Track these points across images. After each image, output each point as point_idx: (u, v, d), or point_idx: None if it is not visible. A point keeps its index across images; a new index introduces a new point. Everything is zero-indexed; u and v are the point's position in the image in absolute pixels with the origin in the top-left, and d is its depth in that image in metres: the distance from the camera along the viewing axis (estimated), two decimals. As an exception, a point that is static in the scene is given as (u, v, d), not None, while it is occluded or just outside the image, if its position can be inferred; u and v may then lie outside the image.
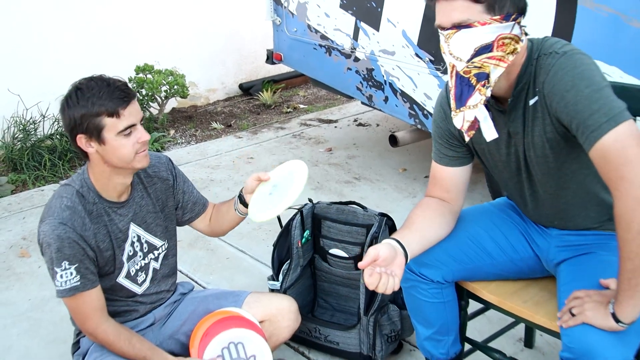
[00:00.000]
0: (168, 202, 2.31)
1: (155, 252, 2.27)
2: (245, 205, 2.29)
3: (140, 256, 2.21)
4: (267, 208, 2.16)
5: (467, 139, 1.81)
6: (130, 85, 5.42)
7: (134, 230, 2.18)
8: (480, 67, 1.71)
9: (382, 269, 1.79)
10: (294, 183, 2.18)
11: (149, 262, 2.25)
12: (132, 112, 1.98)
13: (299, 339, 2.75)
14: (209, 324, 2.21)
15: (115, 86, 1.96)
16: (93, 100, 1.93)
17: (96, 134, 1.95)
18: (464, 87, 1.75)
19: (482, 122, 1.77)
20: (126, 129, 1.97)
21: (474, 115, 1.75)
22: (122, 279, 2.17)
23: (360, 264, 1.78)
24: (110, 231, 2.10)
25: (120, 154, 1.99)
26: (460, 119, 1.78)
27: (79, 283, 1.99)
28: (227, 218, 2.39)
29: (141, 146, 2.02)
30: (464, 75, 1.74)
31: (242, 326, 2.19)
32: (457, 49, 1.72)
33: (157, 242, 2.27)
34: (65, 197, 2.02)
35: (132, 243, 2.18)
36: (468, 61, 1.72)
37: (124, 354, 2.09)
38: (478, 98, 1.73)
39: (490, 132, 1.79)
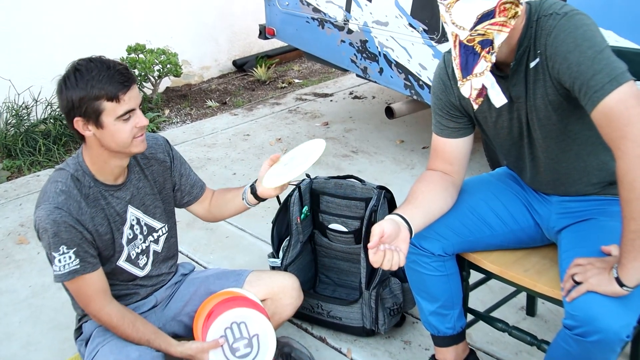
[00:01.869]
0: (166, 184, 2.29)
1: (155, 235, 2.26)
2: (257, 197, 2.26)
3: (140, 239, 2.20)
4: (278, 174, 2.17)
5: (475, 107, 1.79)
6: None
7: (133, 213, 2.16)
8: (483, 34, 1.69)
9: (387, 245, 1.78)
10: (309, 154, 2.19)
11: (149, 245, 2.24)
12: (132, 97, 1.95)
13: (301, 316, 2.74)
14: (212, 306, 2.20)
15: (116, 69, 1.93)
16: (92, 83, 1.90)
17: (94, 117, 1.93)
18: (469, 56, 1.73)
19: (490, 89, 1.76)
20: (125, 113, 1.94)
21: (481, 83, 1.74)
22: (122, 263, 2.16)
23: (369, 245, 1.77)
24: (107, 214, 2.08)
25: (118, 139, 1.97)
26: (468, 88, 1.76)
27: (78, 266, 1.98)
28: (231, 205, 2.37)
29: (139, 131, 2.00)
30: (467, 43, 1.72)
31: (244, 306, 2.18)
32: (459, 17, 1.70)
33: (156, 224, 2.25)
34: (59, 182, 2.00)
35: (132, 226, 2.17)
36: (471, 29, 1.69)
37: (128, 336, 2.09)
38: (484, 65, 1.72)
39: (498, 98, 1.78)
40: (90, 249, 2.02)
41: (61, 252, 1.96)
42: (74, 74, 1.92)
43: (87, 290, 2.03)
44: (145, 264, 2.24)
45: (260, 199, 2.28)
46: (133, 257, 2.19)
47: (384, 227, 1.79)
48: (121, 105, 1.93)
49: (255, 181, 2.29)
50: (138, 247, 2.20)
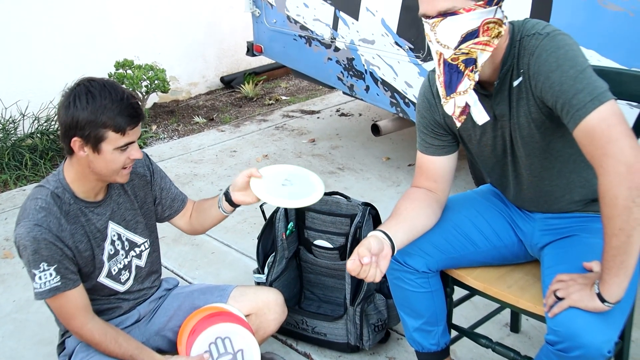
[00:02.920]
0: (147, 198, 2.29)
1: (137, 250, 2.26)
2: (231, 203, 2.27)
3: (122, 255, 2.20)
4: (279, 195, 2.18)
5: (458, 124, 1.82)
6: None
7: (113, 228, 2.16)
8: (467, 53, 1.72)
9: (373, 259, 1.80)
10: (309, 193, 2.22)
11: (132, 260, 2.24)
12: (136, 131, 1.97)
13: (286, 331, 2.74)
14: (196, 321, 2.20)
15: (128, 102, 1.94)
16: (103, 111, 1.90)
17: (94, 142, 1.93)
18: (453, 74, 1.75)
19: (473, 107, 1.79)
20: (125, 145, 1.96)
21: (464, 101, 1.77)
22: (103, 279, 2.15)
23: (364, 262, 1.78)
24: (87, 231, 2.08)
25: (110, 167, 1.98)
26: (451, 106, 1.79)
27: (59, 283, 1.98)
28: (209, 215, 2.38)
29: (130, 162, 2.02)
30: (452, 62, 1.74)
31: (228, 321, 2.19)
32: (444, 36, 1.72)
33: (138, 239, 2.25)
34: (39, 199, 2.00)
35: (113, 242, 2.16)
36: (455, 48, 1.72)
37: (111, 353, 2.08)
38: (467, 83, 1.74)
39: (481, 116, 1.81)
40: (71, 266, 2.02)
41: (41, 269, 1.95)
42: (86, 96, 1.91)
43: (69, 308, 2.03)
44: (127, 279, 2.24)
45: (235, 206, 2.29)
46: (114, 273, 2.18)
47: (372, 244, 1.80)
48: (124, 138, 1.94)
49: (229, 187, 2.29)
50: (120, 263, 2.19)
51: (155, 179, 2.32)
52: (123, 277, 2.22)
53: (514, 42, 1.80)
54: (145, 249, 2.29)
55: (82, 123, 1.91)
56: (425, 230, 2.04)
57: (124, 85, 5.25)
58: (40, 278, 1.95)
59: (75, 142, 1.94)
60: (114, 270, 2.18)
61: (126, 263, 2.22)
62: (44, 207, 1.98)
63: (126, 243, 2.21)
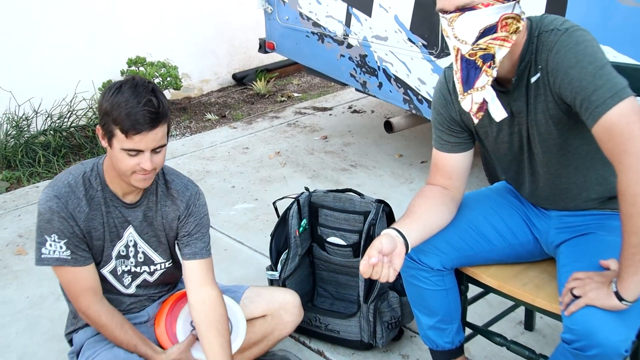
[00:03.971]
0: (172, 229, 2.20)
1: (152, 267, 2.23)
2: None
3: (132, 262, 2.19)
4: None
5: (475, 121, 1.80)
6: (122, 78, 5.41)
7: (132, 234, 2.15)
8: (485, 49, 1.71)
9: (382, 257, 1.79)
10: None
11: (142, 273, 2.23)
12: (143, 140, 1.90)
13: (299, 329, 2.72)
14: (166, 310, 2.22)
15: (143, 107, 1.88)
16: (117, 108, 1.88)
17: (108, 135, 1.94)
18: (471, 70, 1.74)
19: (490, 103, 1.77)
20: (132, 150, 1.92)
21: (482, 97, 1.75)
22: (106, 272, 2.16)
23: (366, 258, 1.77)
24: (105, 222, 2.08)
25: (118, 166, 1.97)
26: (469, 102, 1.77)
27: (69, 257, 2.02)
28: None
29: (142, 170, 1.95)
30: (469, 58, 1.73)
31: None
32: (461, 32, 1.71)
33: (156, 258, 2.22)
34: (71, 174, 2.05)
35: (127, 246, 2.16)
36: (473, 43, 1.71)
37: (116, 338, 2.09)
38: (485, 79, 1.73)
39: (499, 112, 1.79)
40: (82, 244, 2.04)
41: (53, 238, 1.99)
42: (116, 90, 1.91)
43: (77, 285, 2.05)
44: (130, 284, 2.23)
45: None
46: (118, 273, 2.18)
47: (384, 243, 1.79)
48: (129, 142, 1.90)
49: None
50: (127, 266, 2.19)
51: (189, 221, 2.19)
52: (125, 281, 2.21)
53: (532, 38, 1.78)
54: (162, 269, 2.25)
55: (102, 113, 1.93)
56: (440, 228, 2.02)
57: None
58: (50, 245, 2.00)
59: (99, 129, 1.98)
60: (119, 270, 2.18)
61: (133, 271, 2.20)
62: (72, 184, 2.02)
63: (141, 255, 2.19)
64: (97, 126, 1.99)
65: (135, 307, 2.27)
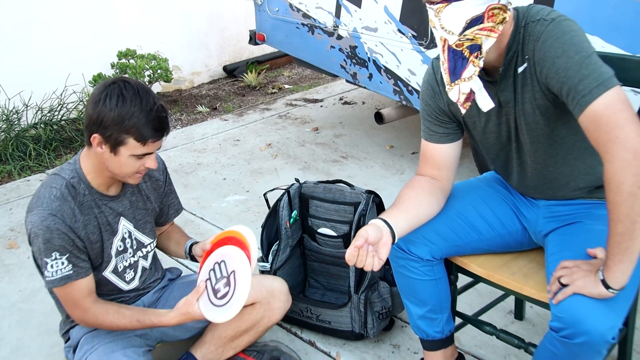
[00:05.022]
0: (155, 202, 2.31)
1: (144, 250, 2.27)
2: (192, 257, 2.33)
3: (130, 253, 2.20)
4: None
5: (463, 111, 1.81)
6: (113, 71, 5.41)
7: (125, 225, 2.17)
8: (472, 39, 1.72)
9: (367, 246, 1.80)
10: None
11: (138, 260, 2.25)
12: (157, 144, 1.98)
13: (290, 319, 2.75)
14: (209, 250, 2.21)
15: (157, 114, 1.93)
16: (130, 117, 1.89)
17: (114, 144, 1.94)
18: (458, 60, 1.75)
19: (478, 94, 1.78)
20: (142, 155, 1.97)
21: (469, 88, 1.76)
22: (108, 273, 2.16)
23: (350, 247, 1.79)
24: (100, 223, 2.08)
25: (122, 170, 1.99)
26: (456, 92, 1.78)
27: (71, 272, 1.99)
28: (173, 249, 2.43)
29: (144, 169, 2.03)
30: (456, 48, 1.74)
31: (226, 244, 2.14)
32: (448, 22, 1.72)
33: (145, 239, 2.26)
34: (54, 188, 2.00)
35: (123, 239, 2.17)
36: (460, 34, 1.72)
37: (118, 326, 2.09)
38: (472, 70, 1.74)
39: (486, 102, 1.80)
40: (82, 255, 2.03)
41: (53, 257, 1.96)
42: (117, 97, 1.91)
43: (75, 295, 2.04)
44: (132, 279, 2.25)
45: (194, 259, 2.33)
46: (120, 270, 2.19)
47: (369, 232, 1.80)
48: (144, 148, 1.95)
49: (196, 243, 2.33)
50: (126, 261, 2.20)
51: (167, 185, 2.35)
52: (128, 276, 2.22)
53: (519, 28, 1.79)
54: (151, 250, 2.31)
55: (106, 123, 1.91)
56: (428, 219, 2.03)
57: (126, 75, 5.29)
58: (52, 266, 1.97)
59: (95, 138, 1.95)
60: (120, 267, 2.18)
61: (132, 262, 2.22)
62: (59, 197, 1.98)
63: (134, 242, 2.22)
64: (93, 135, 1.94)
65: (133, 300, 2.29)
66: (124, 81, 1.95)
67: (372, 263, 1.80)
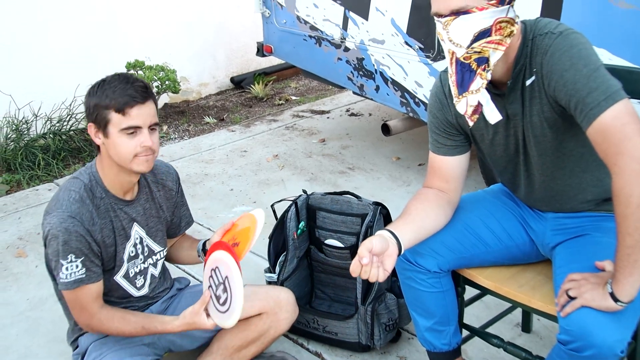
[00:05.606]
0: (167, 211, 2.33)
1: (154, 258, 2.28)
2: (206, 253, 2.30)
3: (140, 259, 2.22)
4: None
5: (471, 124, 1.82)
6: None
7: (138, 231, 2.19)
8: (480, 52, 1.73)
9: (372, 257, 1.81)
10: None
11: (148, 267, 2.27)
12: (140, 114, 1.98)
13: (297, 330, 2.75)
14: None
15: (132, 84, 1.98)
16: (107, 93, 1.97)
17: (103, 125, 1.99)
18: (465, 73, 1.76)
19: (485, 106, 1.79)
20: (129, 128, 1.97)
21: (477, 100, 1.77)
22: (119, 278, 2.18)
23: (354, 260, 1.80)
24: (114, 227, 2.11)
25: (119, 152, 2.00)
26: (464, 105, 1.79)
27: (84, 276, 2.01)
28: (186, 255, 2.44)
29: (143, 150, 2.01)
30: (464, 61, 1.75)
31: (218, 248, 2.11)
32: (456, 35, 1.73)
33: (156, 247, 2.28)
34: (73, 191, 2.04)
35: (135, 244, 2.19)
36: (468, 47, 1.73)
37: (123, 332, 2.11)
38: (479, 82, 1.75)
39: (493, 115, 1.80)
40: (96, 260, 2.05)
41: (69, 260, 1.99)
42: (99, 84, 2.01)
43: (83, 300, 2.05)
44: (142, 285, 2.26)
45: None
46: (131, 275, 2.21)
47: (374, 244, 1.81)
48: (126, 119, 1.97)
49: (207, 240, 2.34)
50: (137, 267, 2.22)
51: (179, 196, 2.38)
52: (138, 282, 2.24)
53: (527, 41, 1.80)
54: (161, 258, 2.33)
55: (92, 108, 2.00)
56: (435, 231, 2.04)
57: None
58: (67, 269, 1.99)
59: (91, 127, 2.03)
60: (131, 272, 2.20)
61: (142, 269, 2.24)
62: (78, 200, 2.02)
63: (146, 249, 2.24)
64: (89, 125, 2.02)
65: (142, 309, 2.30)
66: (113, 74, 2.05)
67: (377, 274, 1.81)
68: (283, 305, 2.38)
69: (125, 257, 2.17)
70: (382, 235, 1.87)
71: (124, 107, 1.96)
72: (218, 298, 2.06)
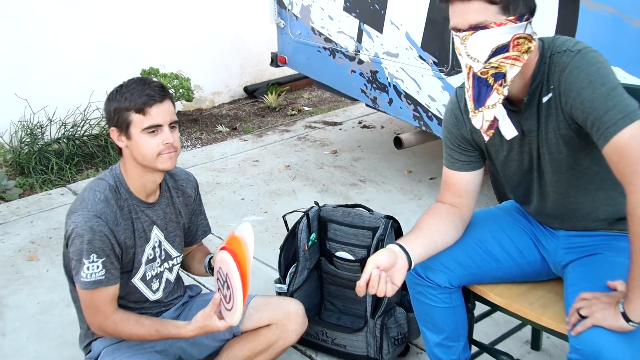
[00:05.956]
0: (185, 217, 2.36)
1: (170, 262, 2.30)
2: (211, 270, 2.32)
3: (157, 262, 2.24)
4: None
5: (486, 138, 1.83)
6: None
7: (157, 234, 2.21)
8: (497, 67, 1.74)
9: (382, 273, 1.82)
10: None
11: (164, 271, 2.28)
12: (159, 113, 2.03)
13: (306, 342, 2.76)
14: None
15: (149, 85, 2.04)
16: (126, 96, 2.02)
17: (125, 128, 2.03)
18: (482, 88, 1.77)
19: (501, 121, 1.80)
20: (150, 127, 2.02)
21: (493, 115, 1.78)
22: (136, 280, 2.20)
23: (358, 282, 1.82)
24: (135, 229, 2.14)
25: (143, 152, 2.04)
26: (480, 119, 1.80)
27: (103, 277, 2.04)
28: (196, 269, 2.45)
29: (165, 148, 2.06)
30: (481, 76, 1.76)
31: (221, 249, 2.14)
32: (474, 50, 1.74)
33: (173, 252, 2.30)
34: (98, 191, 2.07)
35: (154, 247, 2.22)
36: (485, 62, 1.74)
37: (138, 335, 2.11)
38: (496, 97, 1.76)
39: (509, 130, 1.81)
40: (116, 262, 2.08)
41: (91, 260, 2.01)
42: (117, 89, 2.06)
43: (99, 302, 2.07)
44: (157, 289, 2.28)
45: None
46: (148, 278, 2.23)
47: (378, 261, 1.82)
48: (147, 119, 2.01)
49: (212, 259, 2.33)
50: (154, 270, 2.24)
51: (197, 203, 2.41)
52: (154, 286, 2.26)
53: (544, 59, 1.81)
54: (177, 264, 2.34)
55: (112, 112, 2.05)
56: (446, 246, 2.04)
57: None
58: (88, 268, 2.01)
59: (113, 132, 2.07)
60: (148, 275, 2.22)
61: (158, 272, 2.26)
62: (103, 200, 2.05)
63: (163, 253, 2.26)
64: (111, 129, 2.06)
65: (156, 315, 2.31)
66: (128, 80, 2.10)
67: (385, 289, 1.82)
68: (292, 316, 2.38)
69: (144, 259, 2.19)
70: (392, 249, 1.88)
71: (143, 107, 2.01)
72: (225, 297, 2.08)
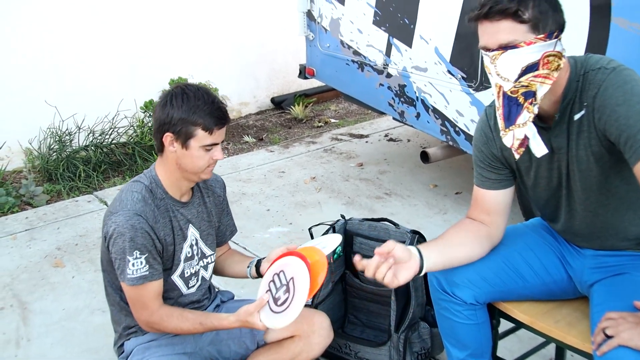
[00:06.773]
0: (216, 216, 2.40)
1: (205, 260, 2.34)
2: (258, 272, 2.34)
3: (195, 260, 2.29)
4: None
5: (517, 157, 1.83)
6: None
7: (193, 233, 2.26)
8: (527, 86, 1.74)
9: (390, 260, 1.86)
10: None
11: (199, 270, 2.32)
12: (221, 134, 2.12)
13: (329, 355, 2.75)
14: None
15: (218, 106, 2.10)
16: (195, 110, 2.06)
17: (184, 139, 2.09)
18: (512, 106, 1.77)
19: (532, 139, 1.80)
20: (211, 145, 2.10)
21: (523, 133, 1.78)
22: (176, 277, 2.24)
23: (375, 250, 1.87)
24: (173, 227, 2.19)
25: (196, 163, 2.12)
26: (510, 138, 1.80)
27: (147, 273, 2.08)
28: (234, 268, 2.46)
29: (213, 162, 2.16)
30: (511, 94, 1.76)
31: (283, 256, 2.20)
32: (504, 69, 1.75)
33: (207, 250, 2.34)
34: (136, 192, 2.13)
35: (191, 245, 2.26)
36: (515, 81, 1.74)
37: (182, 329, 2.15)
38: (526, 116, 1.76)
39: (539, 148, 1.82)
40: (158, 257, 2.13)
41: (135, 256, 2.06)
42: (182, 96, 2.09)
43: (146, 297, 2.11)
44: (194, 286, 2.32)
45: (260, 275, 2.33)
46: (186, 275, 2.27)
47: (396, 247, 1.87)
48: (211, 138, 2.09)
49: (263, 259, 2.34)
50: (192, 268, 2.28)
51: (224, 205, 2.45)
52: (191, 283, 2.30)
53: (577, 76, 1.81)
54: (211, 262, 2.38)
55: (175, 120, 2.08)
56: (468, 261, 2.05)
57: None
58: (133, 265, 2.06)
59: (167, 137, 2.10)
60: (187, 272, 2.26)
61: (196, 270, 2.30)
62: (141, 200, 2.11)
63: (199, 251, 2.30)
64: (166, 134, 2.10)
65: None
66: (185, 84, 2.15)
67: (385, 274, 1.86)
68: (317, 329, 2.38)
69: (183, 256, 2.23)
70: (409, 249, 1.91)
71: (212, 128, 2.08)
72: (276, 300, 2.09)
